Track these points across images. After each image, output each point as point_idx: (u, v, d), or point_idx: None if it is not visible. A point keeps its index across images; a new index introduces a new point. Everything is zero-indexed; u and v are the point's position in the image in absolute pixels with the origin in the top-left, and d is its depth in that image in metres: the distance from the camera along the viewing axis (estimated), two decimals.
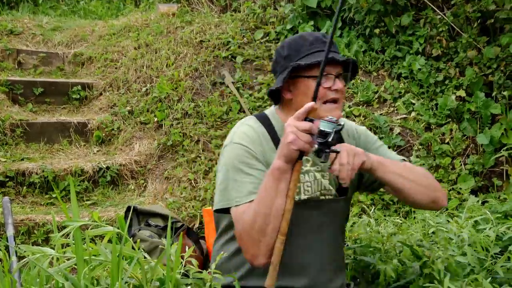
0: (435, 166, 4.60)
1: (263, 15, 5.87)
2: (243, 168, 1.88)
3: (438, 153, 4.65)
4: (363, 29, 5.36)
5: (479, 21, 5.06)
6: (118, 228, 1.85)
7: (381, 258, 2.62)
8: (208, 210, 3.48)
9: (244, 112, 5.03)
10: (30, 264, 1.80)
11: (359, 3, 5.24)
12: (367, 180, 2.07)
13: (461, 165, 4.62)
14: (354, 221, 3.05)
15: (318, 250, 1.99)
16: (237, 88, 5.14)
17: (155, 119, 4.97)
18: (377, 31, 5.08)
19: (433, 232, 2.88)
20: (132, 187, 4.61)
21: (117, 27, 6.22)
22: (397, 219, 3.45)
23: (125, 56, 5.69)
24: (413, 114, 4.74)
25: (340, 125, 1.71)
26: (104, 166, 4.50)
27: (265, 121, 2.03)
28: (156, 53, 5.63)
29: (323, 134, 1.65)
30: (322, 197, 2.03)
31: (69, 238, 1.85)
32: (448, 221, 3.09)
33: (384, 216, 3.59)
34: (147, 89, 5.27)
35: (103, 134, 4.92)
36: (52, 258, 1.84)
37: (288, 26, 5.64)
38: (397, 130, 4.65)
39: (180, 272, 1.99)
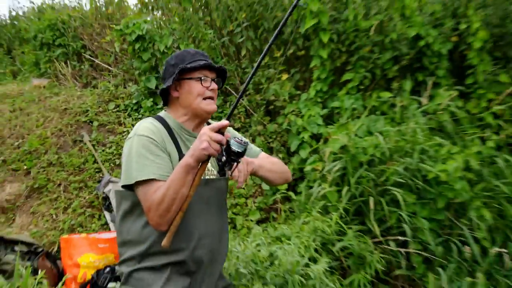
0: (235, 204, 4.97)
1: (115, 92, 6.15)
2: (146, 154, 1.95)
3: (237, 195, 5.08)
4: None
5: (264, 106, 5.65)
6: None
7: None
8: (65, 238, 3.79)
9: (97, 163, 5.29)
10: None
11: None
12: None
13: (252, 203, 5.03)
14: None
15: (207, 218, 2.12)
16: (93, 145, 5.45)
17: (25, 167, 5.13)
18: None
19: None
20: (2, 220, 4.69)
21: None
22: None
23: (1, 117, 5.83)
24: None
25: (246, 144, 1.83)
26: None
27: (161, 120, 2.14)
28: (28, 115, 5.80)
29: (233, 151, 1.80)
30: (207, 177, 2.15)
31: None
32: (239, 244, 3.48)
33: None
34: (19, 144, 5.41)
35: None
36: None
37: (134, 101, 5.98)
38: None
39: None
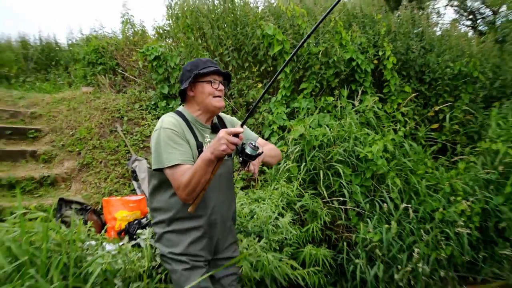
0: None
1: (139, 96, 6.00)
2: (171, 143, 1.82)
3: None
4: None
5: (245, 106, 5.35)
6: (45, 212, 2.04)
7: None
8: (105, 200, 3.72)
9: (127, 146, 5.07)
10: None
11: None
12: None
13: (237, 175, 4.60)
14: None
15: (219, 190, 1.98)
16: (124, 134, 5.31)
17: (77, 149, 5.03)
18: None
19: None
20: (63, 187, 4.60)
21: (57, 98, 6.21)
22: None
23: (61, 114, 5.74)
24: None
25: (258, 149, 1.70)
26: (47, 175, 4.53)
27: (180, 114, 1.99)
28: (78, 113, 5.68)
29: (247, 154, 1.68)
30: None
31: (17, 219, 1.94)
32: None
33: None
34: (72, 133, 5.30)
35: (46, 157, 4.93)
36: (7, 230, 1.92)
37: (153, 102, 5.79)
38: None
39: (86, 234, 2.21)
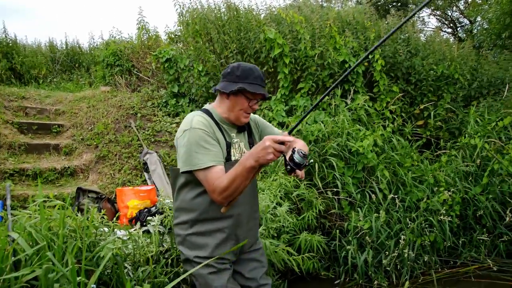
0: None
1: (152, 94, 5.93)
2: (203, 144, 1.58)
3: None
4: None
5: None
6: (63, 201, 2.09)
7: None
8: (119, 189, 3.66)
9: (139, 140, 4.95)
10: (18, 219, 1.91)
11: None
12: None
13: None
14: None
15: (245, 190, 1.59)
16: (137, 129, 5.18)
17: (95, 143, 4.94)
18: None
19: None
20: (81, 177, 4.55)
21: (79, 96, 6.13)
22: None
23: (81, 111, 5.65)
24: None
25: (307, 158, 1.47)
26: (67, 166, 4.51)
27: (208, 113, 1.72)
28: (97, 110, 5.58)
29: (296, 163, 1.45)
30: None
31: (38, 207, 1.91)
32: None
33: None
34: (91, 128, 5.22)
35: (67, 150, 4.89)
36: (29, 216, 1.91)
37: (164, 100, 5.70)
38: None
39: (99, 221, 2.16)
